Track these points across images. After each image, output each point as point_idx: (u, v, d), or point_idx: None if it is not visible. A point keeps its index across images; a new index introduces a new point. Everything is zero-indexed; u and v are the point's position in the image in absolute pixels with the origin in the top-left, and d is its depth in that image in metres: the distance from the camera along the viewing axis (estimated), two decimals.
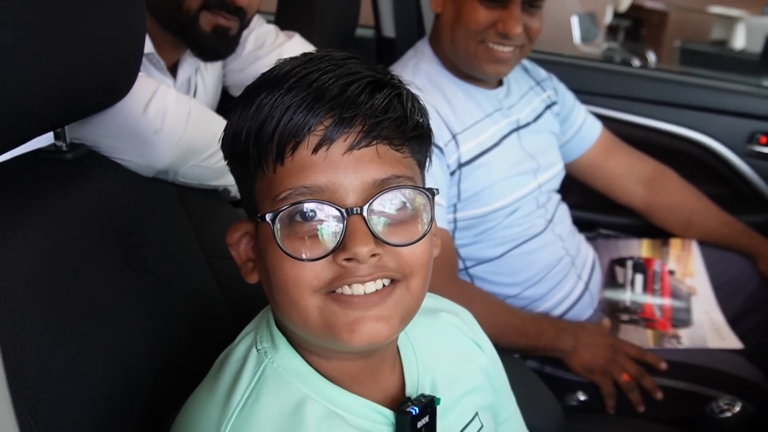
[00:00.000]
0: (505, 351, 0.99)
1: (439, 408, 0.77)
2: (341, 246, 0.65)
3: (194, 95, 1.34)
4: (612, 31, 6.94)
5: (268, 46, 1.44)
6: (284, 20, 1.59)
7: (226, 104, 1.47)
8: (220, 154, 1.09)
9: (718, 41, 6.77)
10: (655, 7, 7.17)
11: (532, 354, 1.50)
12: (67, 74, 0.80)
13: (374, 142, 0.67)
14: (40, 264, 0.78)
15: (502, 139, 1.53)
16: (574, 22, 5.60)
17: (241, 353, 0.74)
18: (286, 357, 0.73)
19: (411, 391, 0.79)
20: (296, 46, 1.48)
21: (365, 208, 0.66)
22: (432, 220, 0.70)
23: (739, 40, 6.44)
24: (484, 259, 1.55)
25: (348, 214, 0.65)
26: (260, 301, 0.81)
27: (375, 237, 0.66)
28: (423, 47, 1.58)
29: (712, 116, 2.01)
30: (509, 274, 1.56)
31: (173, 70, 1.28)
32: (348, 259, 0.65)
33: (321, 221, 0.66)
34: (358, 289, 0.67)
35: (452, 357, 0.86)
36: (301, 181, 0.66)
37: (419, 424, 0.73)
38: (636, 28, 7.26)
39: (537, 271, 1.58)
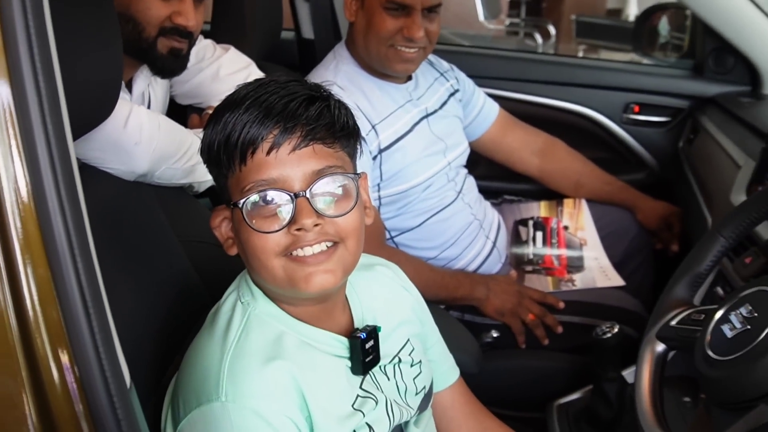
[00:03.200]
0: (431, 303, 1.22)
1: (380, 335, 0.99)
2: (292, 220, 0.86)
3: (148, 106, 1.50)
4: (514, 6, 7.19)
5: (208, 59, 1.62)
6: (219, 35, 1.75)
7: (172, 112, 1.66)
8: (186, 158, 1.32)
9: (614, 10, 7.13)
10: None
11: (453, 304, 1.73)
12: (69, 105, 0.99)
13: (311, 143, 0.88)
14: None
15: (414, 126, 1.75)
16: (478, 0, 5.86)
17: (229, 306, 0.95)
18: (264, 305, 0.94)
19: (358, 324, 1.01)
20: (232, 57, 1.66)
21: (308, 191, 0.87)
22: (358, 196, 0.91)
23: (633, 9, 6.81)
24: (406, 229, 1.78)
25: (296, 196, 0.86)
26: (224, 273, 1.02)
27: (316, 212, 0.87)
28: (341, 50, 1.77)
29: (593, 91, 2.24)
30: (428, 239, 1.79)
31: (128, 85, 1.43)
32: (298, 229, 0.86)
33: (277, 204, 0.87)
34: (308, 250, 0.88)
35: (386, 299, 1.08)
36: (260, 176, 0.87)
37: (367, 346, 0.95)
38: (537, 2, 7.47)
39: (451, 235, 1.81)
